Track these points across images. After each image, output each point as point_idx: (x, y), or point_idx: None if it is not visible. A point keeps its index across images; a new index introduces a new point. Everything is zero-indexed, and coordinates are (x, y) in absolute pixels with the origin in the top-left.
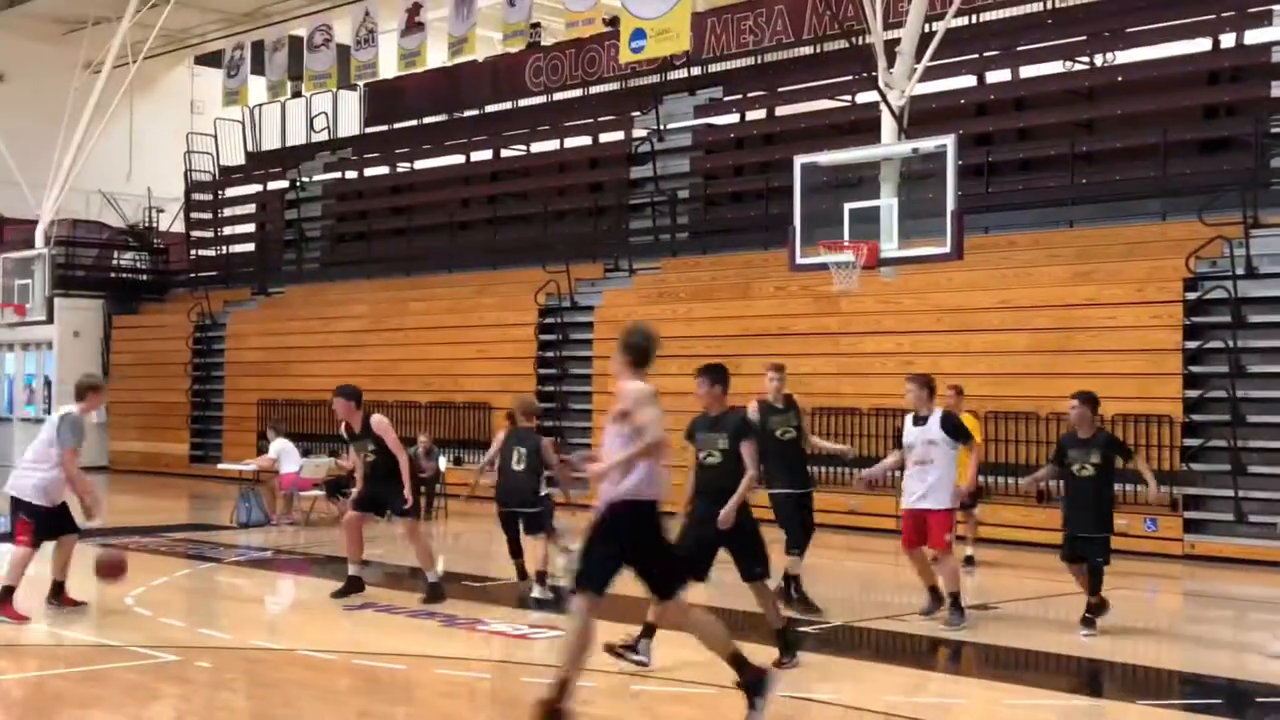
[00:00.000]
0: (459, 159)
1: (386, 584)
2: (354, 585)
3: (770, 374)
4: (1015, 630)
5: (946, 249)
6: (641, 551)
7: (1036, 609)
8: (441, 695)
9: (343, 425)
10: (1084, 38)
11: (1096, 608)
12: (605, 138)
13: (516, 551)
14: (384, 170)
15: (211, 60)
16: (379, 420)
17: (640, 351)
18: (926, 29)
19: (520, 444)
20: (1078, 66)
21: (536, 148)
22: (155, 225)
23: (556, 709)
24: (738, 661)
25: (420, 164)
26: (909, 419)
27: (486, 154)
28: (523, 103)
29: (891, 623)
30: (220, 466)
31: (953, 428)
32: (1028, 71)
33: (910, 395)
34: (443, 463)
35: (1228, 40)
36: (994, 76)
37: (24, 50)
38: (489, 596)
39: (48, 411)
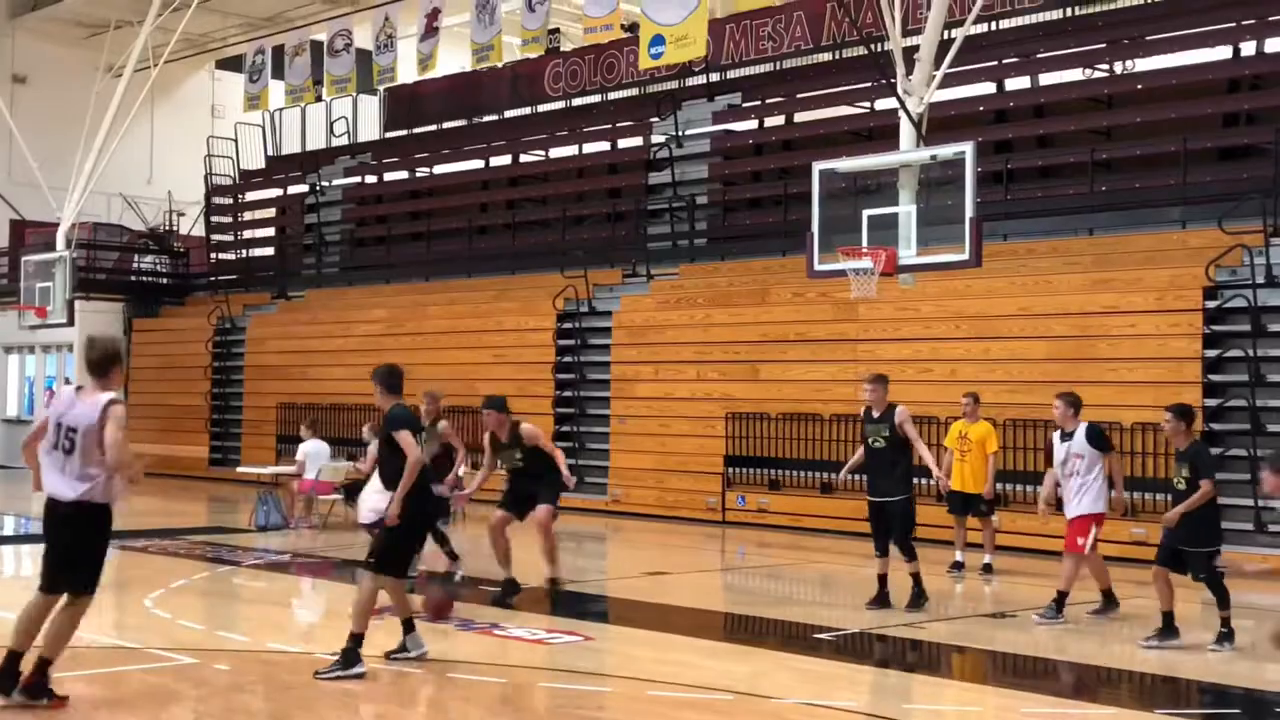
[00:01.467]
0: (478, 164)
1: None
2: (511, 588)
3: (865, 384)
4: (1034, 638)
5: (965, 256)
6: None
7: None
8: (457, 699)
9: (487, 435)
10: (1103, 45)
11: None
12: (624, 143)
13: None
14: (403, 175)
15: (232, 64)
16: (529, 429)
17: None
18: (945, 35)
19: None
20: (1097, 74)
21: (555, 153)
22: (175, 229)
23: None
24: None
25: (439, 169)
26: (1056, 436)
27: (505, 159)
28: (542, 108)
29: (909, 630)
30: (239, 470)
31: (1096, 437)
32: (1047, 79)
33: (1057, 412)
34: (461, 468)
35: (1248, 48)
36: (1013, 83)
37: (46, 54)
38: (506, 600)
39: None
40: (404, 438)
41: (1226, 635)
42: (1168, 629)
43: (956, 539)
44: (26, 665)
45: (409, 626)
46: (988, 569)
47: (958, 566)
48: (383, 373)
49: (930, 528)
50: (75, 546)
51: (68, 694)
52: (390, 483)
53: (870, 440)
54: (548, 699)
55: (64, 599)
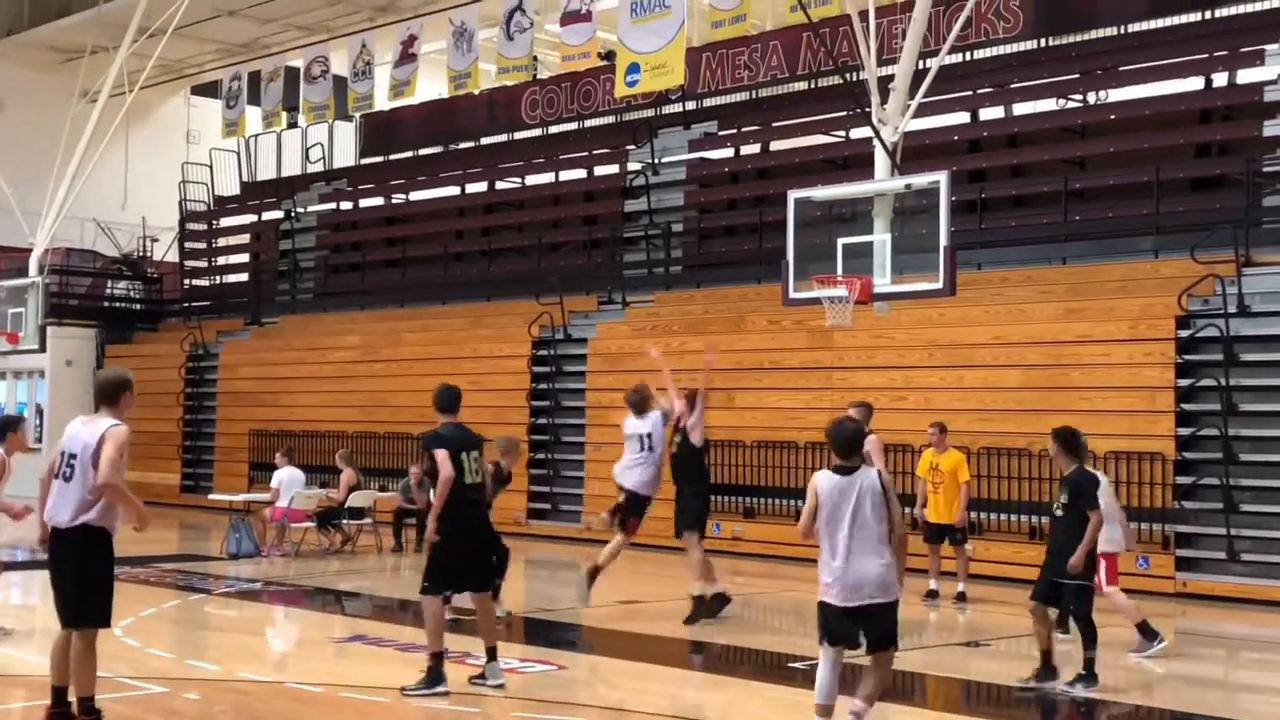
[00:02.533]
0: (454, 190)
1: (375, 616)
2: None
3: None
4: (1007, 666)
5: (939, 284)
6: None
7: (1029, 646)
8: None
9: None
10: (1077, 75)
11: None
12: (600, 171)
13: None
14: (379, 201)
15: (208, 90)
16: None
17: None
18: (920, 65)
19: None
20: (1070, 104)
21: (531, 180)
22: (149, 254)
23: None
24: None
25: (415, 195)
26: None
27: (481, 186)
28: (518, 135)
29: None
30: (211, 496)
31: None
32: (1021, 108)
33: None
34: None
35: (1220, 79)
36: (987, 113)
37: (21, 79)
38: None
39: (39, 440)
40: (438, 456)
41: (1086, 677)
42: (1046, 669)
43: (930, 568)
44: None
45: (491, 654)
46: (961, 597)
47: (932, 595)
48: (436, 393)
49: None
50: (78, 575)
51: None
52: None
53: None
54: None
55: (74, 633)
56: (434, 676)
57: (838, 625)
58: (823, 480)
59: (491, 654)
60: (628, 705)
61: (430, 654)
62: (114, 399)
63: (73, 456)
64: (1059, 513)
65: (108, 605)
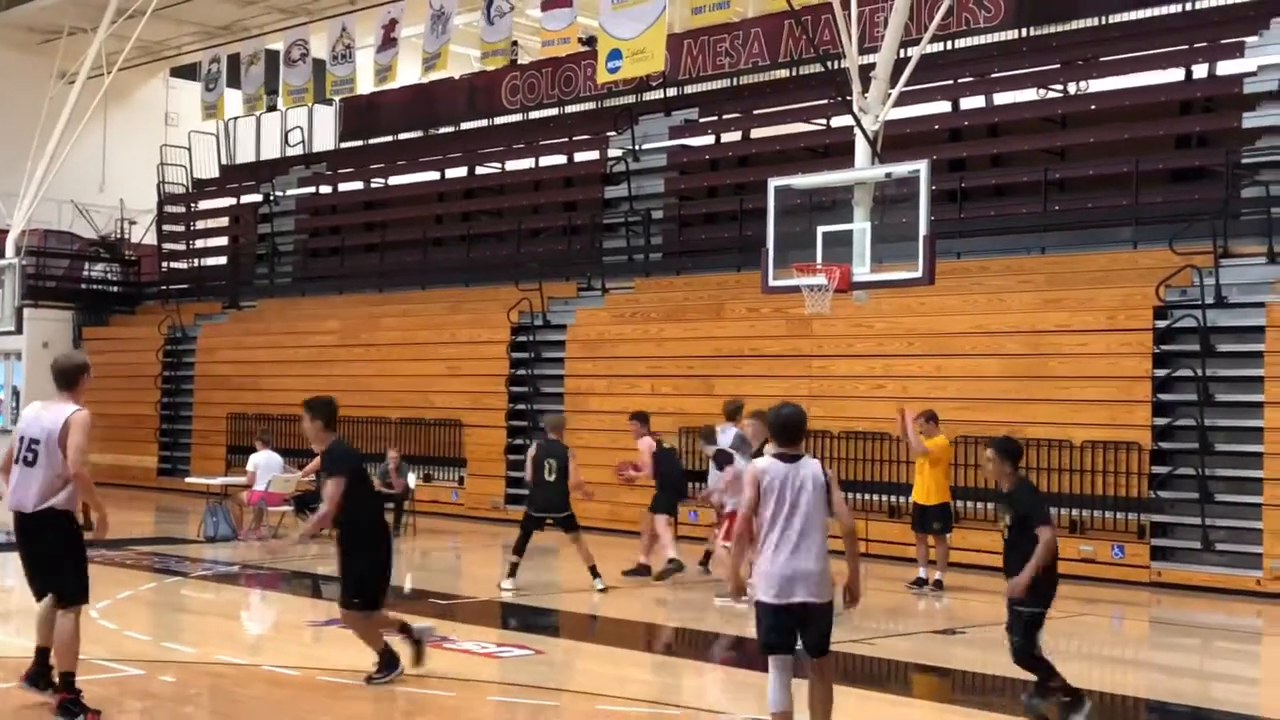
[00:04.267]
0: (434, 175)
1: None
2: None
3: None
4: (984, 655)
5: (919, 273)
6: None
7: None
8: (405, 713)
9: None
10: (1058, 65)
11: None
12: (580, 157)
13: (521, 550)
14: (358, 185)
15: (187, 73)
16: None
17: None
18: (901, 54)
19: (551, 456)
20: (1051, 94)
21: (511, 165)
22: (127, 237)
23: None
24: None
25: (394, 180)
26: None
27: (461, 171)
28: (498, 120)
29: (860, 646)
30: (188, 480)
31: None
32: (1001, 98)
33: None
34: (412, 479)
35: (1200, 71)
36: (968, 103)
37: None
38: (456, 614)
39: (15, 422)
40: (337, 485)
41: (1073, 705)
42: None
43: (919, 555)
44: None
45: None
46: (938, 585)
47: (920, 583)
48: (327, 407)
49: (890, 544)
50: (48, 556)
51: (100, 709)
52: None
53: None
54: (497, 713)
55: (57, 609)
56: (390, 660)
57: (772, 626)
58: (765, 466)
59: (386, 656)
60: (604, 690)
61: (379, 651)
62: (74, 383)
63: (34, 441)
64: (1007, 535)
65: (84, 582)
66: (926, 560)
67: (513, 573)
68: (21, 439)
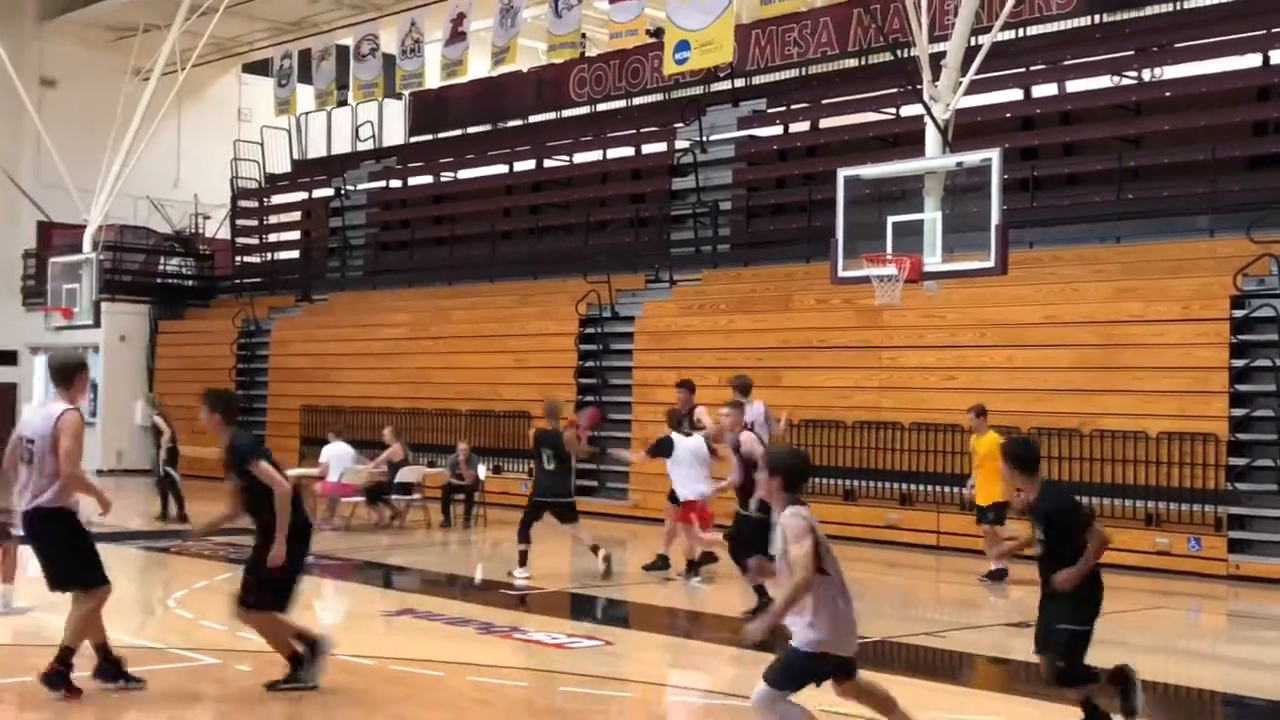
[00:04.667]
0: (502, 169)
1: (424, 590)
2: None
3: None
4: None
5: (991, 263)
6: None
7: None
8: (476, 702)
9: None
10: (1131, 52)
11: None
12: (648, 148)
13: (525, 537)
14: (427, 179)
15: (259, 68)
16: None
17: None
18: (972, 42)
19: (547, 445)
20: (1125, 81)
21: (579, 158)
22: (201, 231)
23: None
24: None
25: (463, 173)
26: None
27: (529, 164)
28: (566, 113)
29: (931, 638)
30: None
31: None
32: (1074, 86)
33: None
34: (482, 471)
35: (1277, 56)
36: (1040, 90)
37: (75, 57)
38: (527, 605)
39: (94, 415)
40: (266, 470)
41: (1125, 692)
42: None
43: (988, 550)
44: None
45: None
46: (999, 575)
47: (996, 575)
48: (226, 399)
49: (960, 536)
50: (50, 551)
51: (82, 689)
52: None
53: None
54: (568, 703)
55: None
56: (297, 667)
57: (820, 676)
58: (810, 516)
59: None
60: (675, 681)
61: (288, 657)
62: (69, 380)
63: (30, 442)
64: (1040, 551)
65: (95, 569)
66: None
67: (523, 561)
68: (19, 438)
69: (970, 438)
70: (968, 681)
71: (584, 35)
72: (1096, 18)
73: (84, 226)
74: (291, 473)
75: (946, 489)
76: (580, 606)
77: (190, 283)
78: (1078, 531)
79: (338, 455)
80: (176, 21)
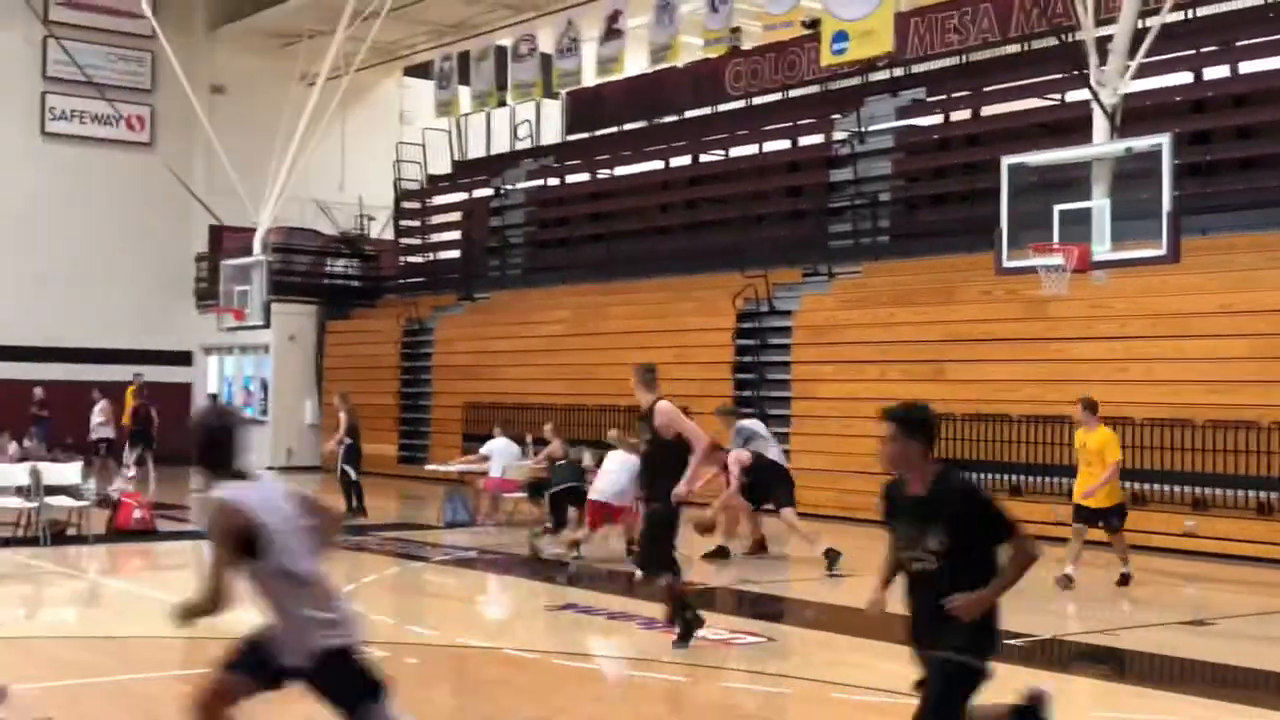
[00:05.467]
0: (658, 164)
1: (584, 585)
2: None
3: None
4: (1233, 646)
5: (1162, 251)
6: None
7: (1256, 626)
8: (640, 698)
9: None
10: None
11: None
12: (804, 141)
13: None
14: (584, 177)
15: (419, 71)
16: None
17: None
18: (1140, 25)
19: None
20: None
21: (735, 152)
22: (366, 233)
23: None
24: None
25: (620, 170)
26: None
27: (685, 159)
28: (722, 107)
29: (1101, 636)
30: (428, 467)
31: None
32: (1247, 67)
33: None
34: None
35: None
36: (1212, 73)
37: (243, 64)
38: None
39: (265, 413)
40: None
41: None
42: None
43: (1069, 552)
44: None
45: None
46: (1124, 579)
47: (1067, 580)
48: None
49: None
50: None
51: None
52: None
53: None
54: (729, 697)
55: None
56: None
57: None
58: None
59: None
60: (836, 678)
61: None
62: None
63: None
64: (922, 562)
65: None
66: (1076, 557)
67: (570, 542)
68: None
69: (1078, 431)
70: (1137, 680)
71: (738, 29)
72: None
73: (254, 230)
74: (454, 467)
75: (1047, 479)
76: (742, 603)
77: (356, 283)
78: (1005, 540)
79: (500, 450)
80: (340, 27)
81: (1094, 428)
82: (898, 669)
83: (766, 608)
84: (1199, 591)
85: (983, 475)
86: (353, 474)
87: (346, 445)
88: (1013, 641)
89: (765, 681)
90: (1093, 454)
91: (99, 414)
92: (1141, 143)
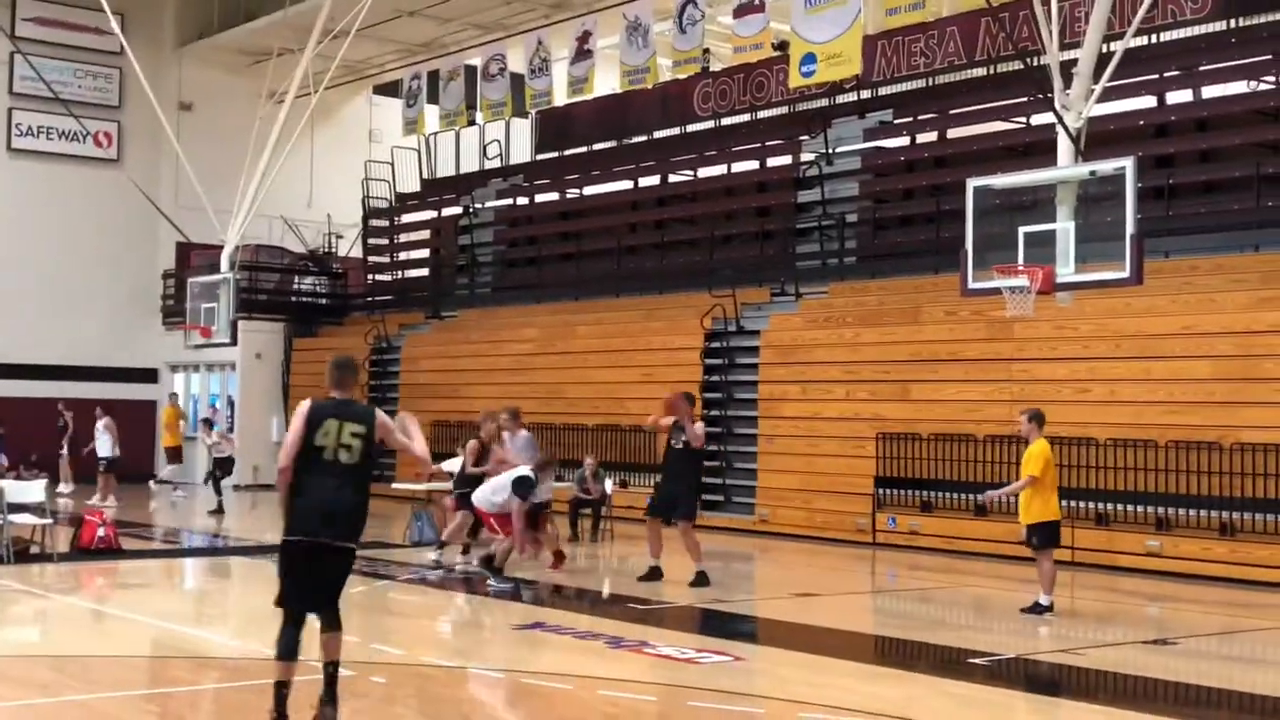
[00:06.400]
0: (627, 184)
1: (554, 604)
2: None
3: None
4: (1195, 666)
5: (1126, 274)
6: None
7: (1219, 645)
8: (607, 716)
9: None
10: (1269, 56)
11: None
12: (773, 162)
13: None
14: (554, 196)
15: (389, 90)
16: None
17: None
18: (1104, 49)
19: None
20: (1263, 86)
21: (704, 172)
22: (334, 250)
23: None
24: None
25: (589, 190)
26: None
27: (654, 179)
28: (690, 128)
29: (1066, 655)
30: (394, 485)
31: None
32: (1210, 91)
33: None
34: (609, 485)
35: None
36: (1174, 97)
37: (211, 81)
38: (656, 619)
39: (231, 430)
40: None
41: None
42: None
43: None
44: None
45: None
46: (1038, 609)
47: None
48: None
49: (1097, 552)
50: None
51: None
52: None
53: None
54: (698, 718)
55: None
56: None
57: None
58: None
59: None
60: (805, 698)
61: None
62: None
63: None
64: None
65: None
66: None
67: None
68: None
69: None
70: (1102, 699)
71: (707, 50)
72: (1232, 22)
73: (221, 247)
74: (422, 486)
75: (1080, 504)
76: (709, 622)
77: (323, 301)
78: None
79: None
80: (309, 45)
81: (1033, 441)
82: (866, 688)
83: (736, 626)
84: (1162, 611)
85: (948, 495)
86: None
87: None
88: (977, 661)
89: (734, 700)
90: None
91: (102, 431)
92: (1105, 166)
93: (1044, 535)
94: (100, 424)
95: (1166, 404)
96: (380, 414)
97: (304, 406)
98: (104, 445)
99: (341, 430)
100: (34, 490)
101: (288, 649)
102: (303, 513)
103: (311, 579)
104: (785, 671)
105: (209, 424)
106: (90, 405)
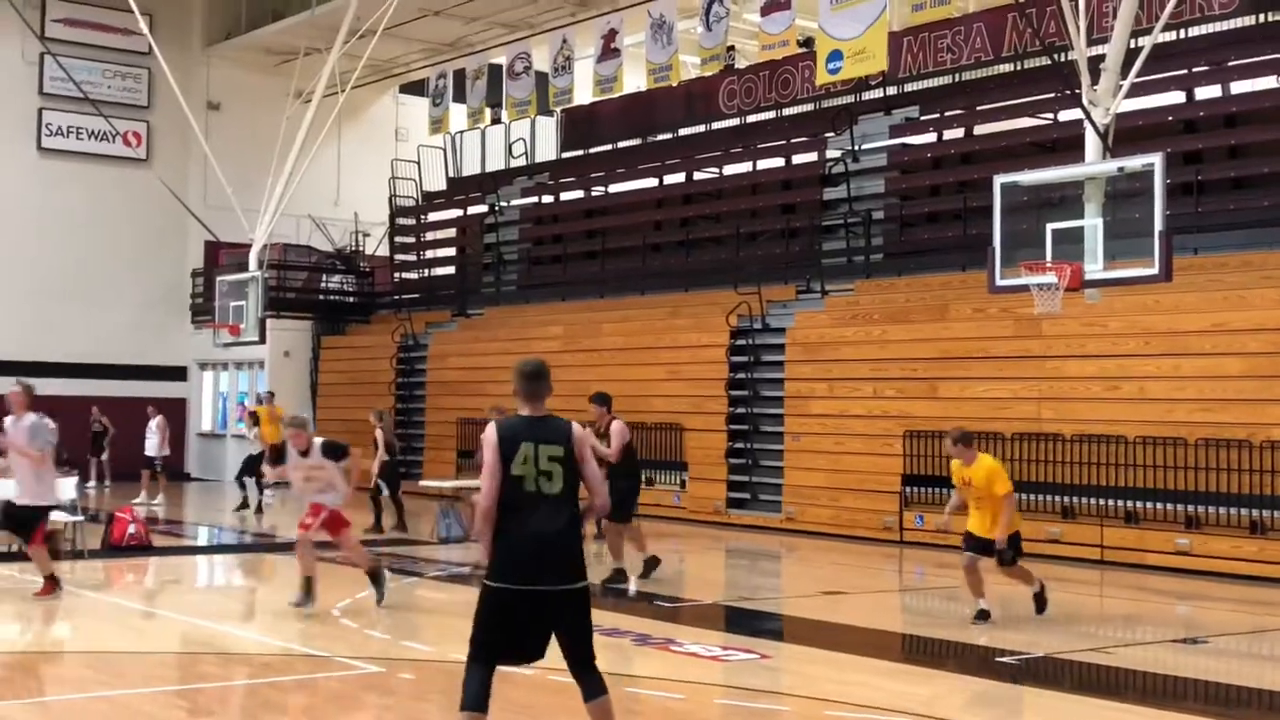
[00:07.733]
0: (652, 182)
1: None
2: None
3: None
4: (1226, 664)
5: (1154, 270)
6: None
7: (1249, 644)
8: (633, 714)
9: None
10: None
11: None
12: (798, 159)
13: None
14: (579, 194)
15: (415, 89)
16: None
17: None
18: (1132, 44)
19: None
20: None
21: (729, 170)
22: (361, 249)
23: None
24: None
25: (614, 187)
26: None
27: (679, 177)
28: (716, 125)
29: (1095, 655)
30: (422, 483)
31: None
32: (1239, 87)
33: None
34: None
35: None
36: (1203, 92)
37: (239, 81)
38: (680, 617)
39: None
40: None
41: None
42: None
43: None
44: None
45: None
46: (982, 616)
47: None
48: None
49: (1127, 550)
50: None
51: None
52: None
53: None
54: (725, 715)
55: None
56: None
57: None
58: None
59: None
60: (832, 696)
61: None
62: None
63: None
64: None
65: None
66: (979, 592)
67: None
68: None
69: (953, 465)
70: (1131, 698)
71: (732, 47)
72: (1260, 17)
73: (249, 246)
74: (449, 484)
75: (1110, 502)
76: (735, 620)
77: (351, 299)
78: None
79: None
80: (336, 45)
81: (972, 460)
82: (892, 686)
83: (761, 624)
84: (1192, 610)
85: None
86: (386, 490)
87: (383, 463)
88: (1005, 660)
89: (760, 698)
90: (981, 489)
91: (154, 431)
92: (1134, 162)
93: (1018, 545)
94: (153, 422)
95: (1196, 401)
96: (577, 428)
97: (491, 433)
98: (152, 444)
99: (539, 455)
100: (65, 487)
101: (475, 699)
102: (509, 555)
103: (533, 635)
104: (812, 669)
105: (255, 418)
106: (121, 404)
